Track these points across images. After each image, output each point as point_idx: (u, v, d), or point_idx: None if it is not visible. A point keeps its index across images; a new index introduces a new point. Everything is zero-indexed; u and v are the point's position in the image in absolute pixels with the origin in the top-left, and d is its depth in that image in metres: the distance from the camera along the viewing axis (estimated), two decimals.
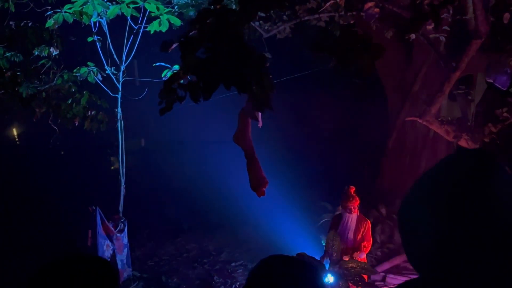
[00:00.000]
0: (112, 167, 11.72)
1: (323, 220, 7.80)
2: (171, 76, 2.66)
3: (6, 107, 4.49)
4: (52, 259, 1.53)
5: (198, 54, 2.63)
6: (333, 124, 10.87)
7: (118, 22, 6.01)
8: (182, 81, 2.72)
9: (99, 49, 6.07)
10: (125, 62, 6.27)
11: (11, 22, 4.63)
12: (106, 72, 6.19)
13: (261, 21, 7.09)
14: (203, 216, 9.16)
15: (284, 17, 7.07)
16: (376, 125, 9.65)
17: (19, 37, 4.60)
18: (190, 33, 2.71)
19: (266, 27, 7.13)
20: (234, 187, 8.77)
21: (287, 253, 1.66)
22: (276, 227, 7.66)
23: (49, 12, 5.33)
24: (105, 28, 5.95)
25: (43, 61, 5.21)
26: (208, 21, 2.68)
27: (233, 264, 7.52)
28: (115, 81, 6.24)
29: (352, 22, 5.17)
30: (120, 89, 6.25)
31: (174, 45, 2.73)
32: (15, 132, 12.03)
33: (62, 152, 10.74)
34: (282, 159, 8.95)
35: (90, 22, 5.60)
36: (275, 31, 7.22)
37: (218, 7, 2.63)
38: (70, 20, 5.42)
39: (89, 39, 5.93)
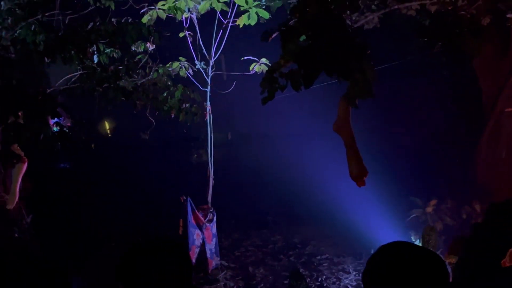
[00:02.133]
0: (195, 159, 12.10)
1: (412, 215, 7.56)
2: (272, 65, 2.69)
3: (109, 99, 4.77)
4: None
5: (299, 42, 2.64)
6: (427, 116, 10.49)
7: (207, 17, 6.16)
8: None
9: (190, 44, 6.26)
10: (214, 57, 6.42)
11: (113, 19, 4.90)
12: (196, 66, 6.38)
13: (348, 11, 6.96)
14: (289, 208, 9.23)
15: (373, 6, 6.89)
16: (468, 117, 9.22)
17: (120, 33, 4.85)
18: (290, 22, 2.71)
19: (353, 18, 6.99)
20: (320, 180, 8.76)
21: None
22: (364, 222, 7.54)
23: (144, 9, 5.57)
24: (196, 23, 6.13)
25: (139, 56, 5.49)
26: (308, 9, 2.67)
27: (318, 257, 7.49)
28: (204, 75, 6.42)
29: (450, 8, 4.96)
30: (209, 83, 6.41)
31: (274, 34, 2.75)
32: (107, 125, 12.79)
33: (154, 144, 11.23)
34: (377, 151, 8.77)
35: (182, 18, 5.79)
36: (363, 21, 7.06)
37: None
38: (163, 16, 5.63)
39: (181, 34, 6.14)
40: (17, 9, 5.07)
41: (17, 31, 5.01)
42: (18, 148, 4.80)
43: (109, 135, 12.22)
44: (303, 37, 2.56)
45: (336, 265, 7.16)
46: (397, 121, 10.71)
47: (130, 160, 10.58)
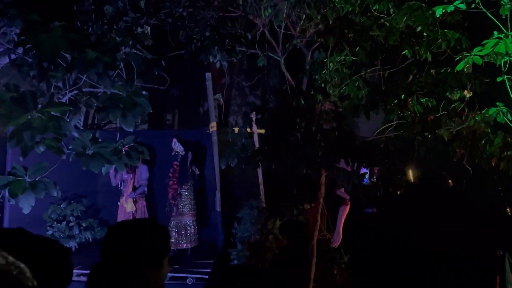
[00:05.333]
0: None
1: None
2: None
3: (428, 148, 4.92)
4: None
5: None
6: None
7: None
8: None
9: (509, 89, 5.92)
10: None
11: (431, 70, 5.09)
12: None
13: None
14: None
15: None
16: None
17: (440, 83, 4.98)
18: None
19: None
20: None
21: None
22: None
23: (459, 57, 5.57)
24: None
25: (455, 104, 5.49)
26: None
27: None
28: None
29: None
30: None
31: None
32: (411, 172, 12.91)
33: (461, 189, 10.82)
34: None
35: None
36: None
37: None
38: (480, 62, 5.50)
39: (499, 79, 5.87)
40: (343, 69, 5.74)
41: (343, 88, 5.66)
42: (344, 191, 5.34)
43: (416, 182, 12.32)
44: None
45: None
46: None
47: (438, 206, 10.42)
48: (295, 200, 6.30)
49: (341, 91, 5.64)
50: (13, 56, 5.19)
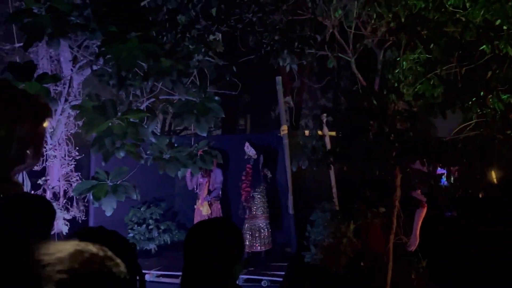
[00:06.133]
0: None
1: None
2: None
3: (510, 147, 4.68)
4: None
5: None
6: None
7: None
8: None
9: None
10: None
11: None
12: None
13: None
14: None
15: None
16: None
17: None
18: None
19: None
20: None
21: None
22: None
23: None
24: None
25: None
26: None
27: None
28: None
29: None
30: None
31: None
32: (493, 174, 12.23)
33: None
34: None
35: None
36: None
37: None
38: None
39: None
40: (417, 67, 5.57)
41: (417, 87, 5.49)
42: (420, 193, 5.18)
43: (498, 183, 11.67)
44: None
45: None
46: None
47: None
48: (369, 202, 6.19)
49: (415, 90, 5.48)
50: (94, 67, 5.50)
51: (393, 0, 5.35)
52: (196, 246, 2.04)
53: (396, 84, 5.41)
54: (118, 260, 0.94)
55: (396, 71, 5.53)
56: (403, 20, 5.43)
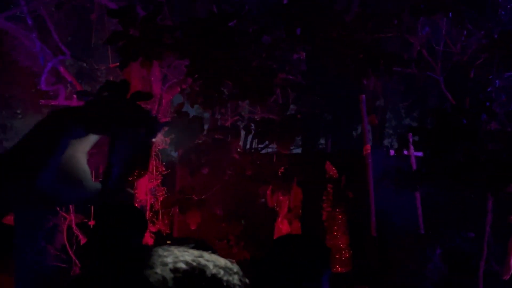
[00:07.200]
0: None
1: None
2: None
3: None
4: None
5: None
6: None
7: None
8: None
9: None
10: None
11: None
12: None
13: None
14: None
15: None
16: None
17: None
18: None
19: None
20: None
21: None
22: None
23: None
24: None
25: None
26: None
27: None
28: None
29: None
30: None
31: None
32: None
33: None
34: None
35: None
36: None
37: None
38: None
39: None
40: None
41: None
42: None
43: None
44: None
45: None
46: None
47: None
48: (458, 226, 5.89)
49: (510, 109, 5.20)
50: (183, 86, 5.74)
51: (485, 16, 5.14)
52: (279, 260, 2.03)
53: (488, 103, 5.16)
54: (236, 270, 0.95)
55: (488, 89, 5.28)
56: (496, 36, 5.19)
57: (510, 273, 5.29)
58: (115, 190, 0.68)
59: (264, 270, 2.07)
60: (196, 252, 0.92)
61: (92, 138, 0.71)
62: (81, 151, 0.71)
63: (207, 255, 0.93)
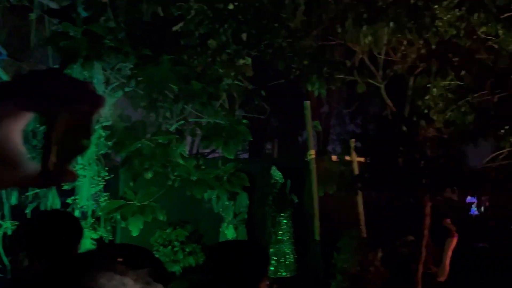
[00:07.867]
0: None
1: None
2: None
3: None
4: None
5: None
6: None
7: None
8: None
9: None
10: None
11: None
12: None
13: None
14: None
15: None
16: None
17: None
18: None
19: None
20: None
21: None
22: None
23: None
24: None
25: None
26: None
27: None
28: None
29: None
30: None
31: None
32: None
33: None
34: None
35: None
36: None
37: None
38: None
39: None
40: (448, 94, 5.52)
41: (448, 114, 5.42)
42: (450, 223, 5.06)
43: None
44: None
45: None
46: None
47: None
48: (398, 230, 6.06)
49: (446, 117, 5.41)
50: (126, 89, 5.61)
51: (424, 27, 5.33)
52: (218, 266, 2.00)
53: (426, 111, 5.36)
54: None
55: (427, 97, 5.48)
56: (434, 46, 5.40)
57: (446, 275, 5.50)
58: (55, 170, 0.62)
59: (200, 279, 2.04)
60: None
61: (27, 116, 0.65)
62: (16, 130, 0.65)
63: None
